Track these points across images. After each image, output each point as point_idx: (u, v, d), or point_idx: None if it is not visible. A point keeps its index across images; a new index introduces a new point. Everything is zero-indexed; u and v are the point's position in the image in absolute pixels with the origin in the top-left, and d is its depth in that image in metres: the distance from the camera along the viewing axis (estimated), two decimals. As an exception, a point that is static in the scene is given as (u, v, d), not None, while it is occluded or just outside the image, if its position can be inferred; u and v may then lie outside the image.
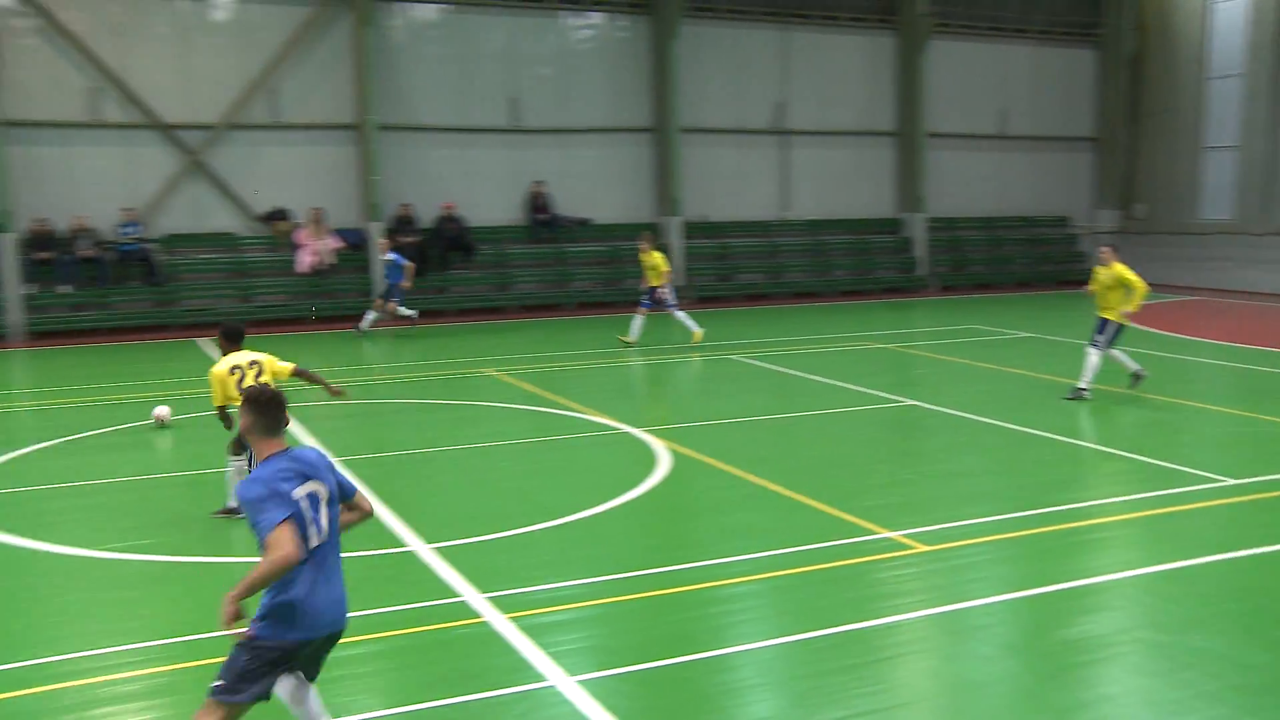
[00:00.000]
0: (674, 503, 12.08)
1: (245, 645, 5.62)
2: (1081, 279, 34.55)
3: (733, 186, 33.25)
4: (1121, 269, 16.88)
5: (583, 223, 31.25)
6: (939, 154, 35.24)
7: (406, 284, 25.24)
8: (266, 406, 5.96)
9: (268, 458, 5.84)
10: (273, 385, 10.83)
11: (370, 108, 28.57)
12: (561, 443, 14.83)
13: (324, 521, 5.80)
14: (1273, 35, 33.35)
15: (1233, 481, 12.31)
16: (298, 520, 5.60)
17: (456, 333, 26.30)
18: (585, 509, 11.40)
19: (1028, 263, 36.65)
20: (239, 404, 9.48)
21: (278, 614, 5.62)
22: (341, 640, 8.19)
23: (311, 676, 6.12)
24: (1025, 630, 8.55)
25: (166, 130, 27.55)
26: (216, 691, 5.60)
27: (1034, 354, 21.61)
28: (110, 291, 26.34)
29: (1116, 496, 12.20)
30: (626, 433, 14.96)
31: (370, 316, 25.48)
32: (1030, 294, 34.00)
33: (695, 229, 32.22)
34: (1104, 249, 17.53)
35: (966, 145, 36.17)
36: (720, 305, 31.02)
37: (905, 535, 10.42)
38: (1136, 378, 17.25)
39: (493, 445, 14.70)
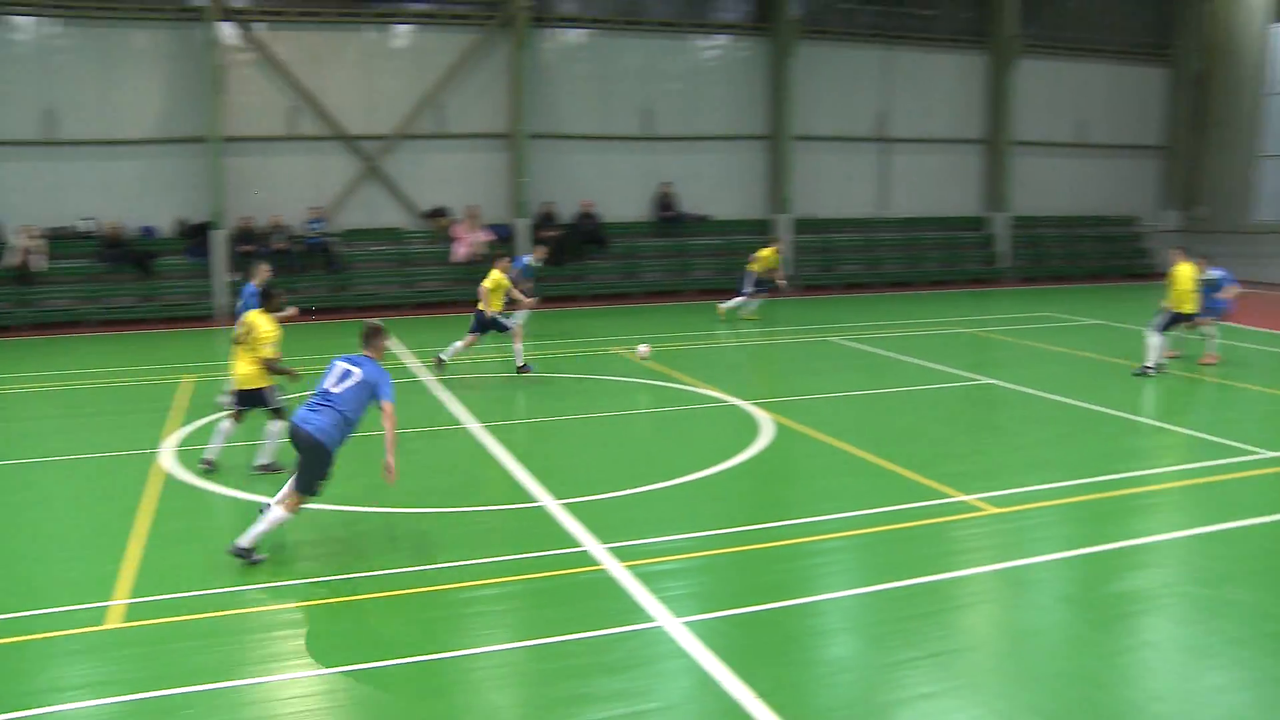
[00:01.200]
0: (775, 467, 12.08)
1: None
2: (1146, 273, 34.08)
3: (837, 188, 32.87)
4: (1181, 269, 16.95)
5: (703, 219, 31.21)
6: (1023, 159, 34.29)
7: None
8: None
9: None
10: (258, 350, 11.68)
11: (522, 119, 28.80)
12: (678, 413, 14.84)
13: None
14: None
15: (1273, 454, 12.00)
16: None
17: (588, 315, 26.45)
18: (696, 471, 11.46)
19: (1100, 257, 35.47)
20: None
21: None
22: (478, 581, 8.45)
23: None
24: (1079, 584, 8.48)
25: (349, 141, 28.17)
26: None
27: (1102, 339, 21.03)
28: (298, 279, 26.84)
29: (1168, 466, 11.99)
30: (735, 405, 14.93)
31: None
32: (1101, 285, 32.89)
33: (803, 225, 31.96)
34: (1174, 250, 17.93)
35: (1048, 152, 35.12)
36: (823, 293, 30.73)
37: (978, 499, 10.34)
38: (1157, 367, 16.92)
39: (617, 415, 14.82)
